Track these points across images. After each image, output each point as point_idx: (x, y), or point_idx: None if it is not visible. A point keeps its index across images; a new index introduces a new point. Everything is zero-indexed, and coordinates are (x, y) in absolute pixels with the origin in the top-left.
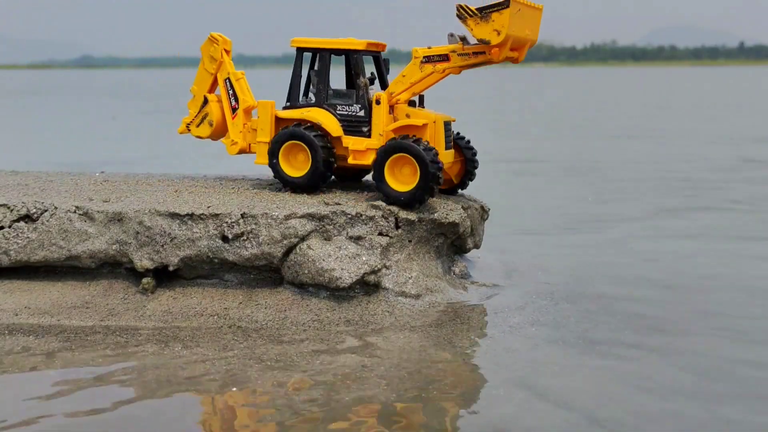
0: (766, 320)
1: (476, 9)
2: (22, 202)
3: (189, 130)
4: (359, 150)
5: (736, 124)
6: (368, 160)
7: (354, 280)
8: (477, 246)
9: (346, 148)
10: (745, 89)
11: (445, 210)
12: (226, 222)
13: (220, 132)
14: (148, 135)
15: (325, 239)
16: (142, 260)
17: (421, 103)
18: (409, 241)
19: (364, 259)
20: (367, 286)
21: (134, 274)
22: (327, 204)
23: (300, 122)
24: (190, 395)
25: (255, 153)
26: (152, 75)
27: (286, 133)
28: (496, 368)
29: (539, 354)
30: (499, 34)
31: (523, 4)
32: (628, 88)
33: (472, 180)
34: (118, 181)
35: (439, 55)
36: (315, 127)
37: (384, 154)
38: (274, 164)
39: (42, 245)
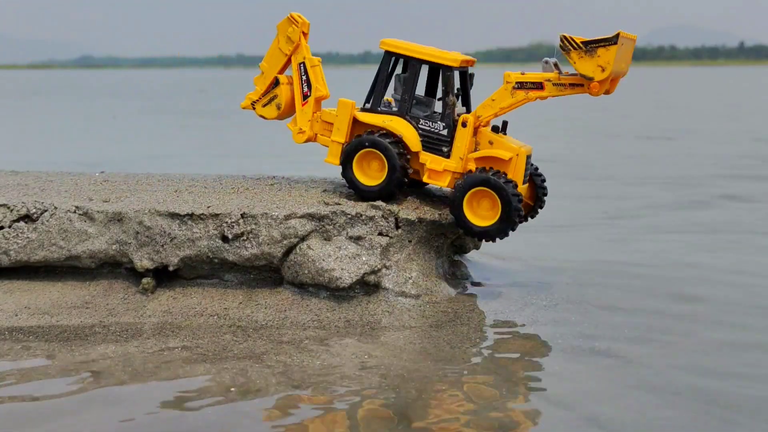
0: (766, 318)
1: (582, 42)
2: (22, 202)
3: (253, 108)
4: (436, 170)
5: (737, 124)
6: (444, 181)
7: (354, 280)
8: (477, 246)
9: (422, 164)
10: (745, 89)
11: (445, 210)
12: (226, 222)
13: (285, 115)
14: (148, 135)
15: (325, 239)
16: (142, 260)
17: (504, 129)
18: (409, 242)
19: (364, 259)
20: (367, 286)
21: (134, 274)
22: (327, 204)
23: (379, 129)
24: (190, 395)
25: (323, 145)
26: (152, 75)
27: (364, 140)
28: (496, 368)
29: (539, 354)
30: (603, 70)
31: (626, 38)
32: (628, 88)
33: (542, 207)
34: (118, 181)
35: (533, 83)
36: (395, 138)
37: (464, 188)
38: (346, 168)
39: (42, 245)
